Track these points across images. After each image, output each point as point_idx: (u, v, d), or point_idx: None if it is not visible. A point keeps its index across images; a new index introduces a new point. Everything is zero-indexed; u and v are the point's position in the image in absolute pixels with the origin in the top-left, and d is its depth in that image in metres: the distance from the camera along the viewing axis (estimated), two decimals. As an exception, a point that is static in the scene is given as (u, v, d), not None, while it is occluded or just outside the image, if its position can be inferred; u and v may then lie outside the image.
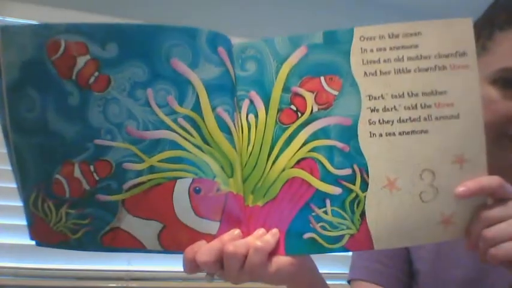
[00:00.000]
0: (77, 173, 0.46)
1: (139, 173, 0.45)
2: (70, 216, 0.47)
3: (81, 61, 0.45)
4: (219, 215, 0.46)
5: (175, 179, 0.45)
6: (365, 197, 0.46)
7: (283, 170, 0.47)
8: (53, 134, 0.46)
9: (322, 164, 0.46)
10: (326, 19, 2.03)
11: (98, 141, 0.45)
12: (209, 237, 0.46)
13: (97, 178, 0.46)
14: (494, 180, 0.45)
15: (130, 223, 0.46)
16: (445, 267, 0.64)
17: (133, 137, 0.45)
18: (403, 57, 0.46)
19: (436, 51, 0.46)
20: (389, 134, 0.46)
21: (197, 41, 0.45)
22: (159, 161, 0.45)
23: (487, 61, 0.60)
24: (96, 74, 0.45)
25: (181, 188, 0.45)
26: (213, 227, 0.46)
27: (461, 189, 0.45)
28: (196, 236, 0.46)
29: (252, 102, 0.47)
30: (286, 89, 0.47)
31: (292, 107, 0.47)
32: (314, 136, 0.46)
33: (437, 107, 0.46)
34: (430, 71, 0.46)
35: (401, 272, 0.68)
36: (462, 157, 0.45)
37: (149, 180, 0.45)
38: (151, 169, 0.45)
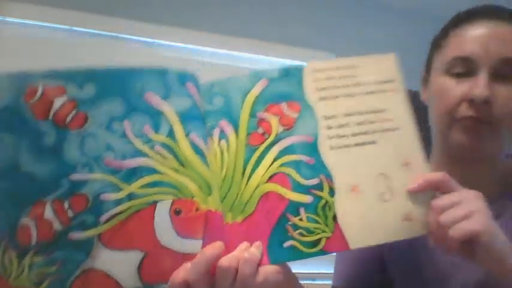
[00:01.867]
0: (48, 213, 0.45)
1: (118, 202, 0.46)
2: (34, 266, 0.44)
3: (58, 102, 0.47)
4: (201, 233, 0.46)
5: (156, 202, 0.46)
6: (334, 202, 0.50)
7: (258, 186, 0.50)
8: (23, 176, 0.45)
9: (292, 177, 0.50)
10: (326, 19, 2.11)
11: (73, 176, 0.46)
12: (193, 257, 0.45)
13: (71, 215, 0.45)
14: (437, 175, 0.52)
15: (106, 259, 0.45)
16: (419, 267, 0.65)
17: (112, 168, 0.46)
18: (348, 84, 0.55)
19: (372, 79, 0.56)
20: (346, 146, 0.52)
21: (167, 78, 0.50)
22: (138, 188, 0.46)
23: (442, 56, 0.69)
24: (74, 112, 0.47)
25: (162, 211, 0.46)
26: (196, 246, 0.46)
27: (411, 185, 0.51)
28: (180, 257, 0.46)
29: (222, 129, 0.51)
30: (252, 115, 0.52)
31: (259, 130, 0.52)
32: (282, 153, 0.51)
33: (381, 122, 0.54)
34: (370, 94, 0.55)
35: (379, 274, 0.70)
36: (408, 161, 0.53)
37: (129, 207, 0.46)
38: (131, 196, 0.46)
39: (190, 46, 1.84)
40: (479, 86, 0.62)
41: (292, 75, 0.55)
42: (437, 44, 0.72)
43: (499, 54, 0.63)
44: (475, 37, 0.66)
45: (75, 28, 1.72)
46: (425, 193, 0.51)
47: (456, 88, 0.65)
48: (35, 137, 0.46)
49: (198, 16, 1.86)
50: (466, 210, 0.48)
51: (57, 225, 0.45)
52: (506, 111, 0.63)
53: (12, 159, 0.46)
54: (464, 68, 0.65)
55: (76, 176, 0.46)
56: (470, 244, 0.48)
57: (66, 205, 0.46)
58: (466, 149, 0.64)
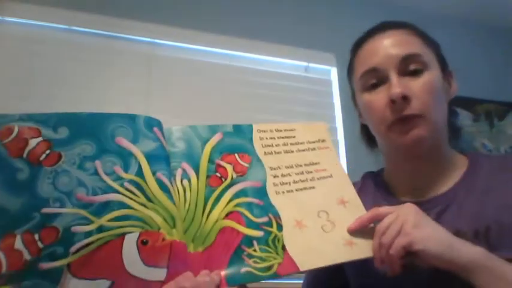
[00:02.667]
0: (18, 244, 0.47)
1: (89, 234, 0.49)
2: None
3: (33, 142, 0.51)
4: (165, 262, 0.51)
5: (124, 234, 0.50)
6: (282, 235, 0.58)
7: (216, 221, 0.56)
8: None
9: (245, 215, 0.58)
10: (326, 19, 2.07)
11: (45, 210, 0.49)
12: (158, 285, 0.49)
13: (41, 246, 0.48)
14: (367, 216, 0.61)
15: None
16: (371, 267, 0.67)
17: (83, 202, 0.50)
18: (287, 142, 0.67)
19: (307, 139, 0.68)
20: (289, 191, 0.62)
21: (136, 123, 0.56)
22: (108, 221, 0.50)
23: (354, 78, 0.76)
24: (48, 151, 0.52)
25: (130, 242, 0.50)
26: (161, 273, 0.50)
27: (351, 226, 0.60)
28: (145, 284, 0.49)
29: (184, 170, 0.58)
30: (211, 161, 0.60)
31: (217, 174, 0.60)
32: (236, 195, 0.59)
33: (316, 172, 0.65)
34: (306, 151, 0.67)
35: (338, 278, 0.76)
36: (343, 199, 0.63)
37: (98, 239, 0.50)
38: (101, 228, 0.50)
39: (191, 46, 1.83)
40: (393, 86, 0.67)
41: (243, 131, 0.65)
42: (348, 73, 0.80)
43: (399, 54, 0.69)
44: (374, 49, 0.72)
45: (75, 28, 1.71)
46: None
47: (376, 98, 0.70)
48: (8, 173, 0.50)
49: (198, 16, 1.87)
50: (398, 225, 0.55)
51: (27, 256, 0.47)
52: (426, 100, 0.67)
53: None
54: (375, 78, 0.71)
55: (48, 210, 0.49)
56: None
57: (36, 237, 0.48)
58: (411, 145, 0.68)
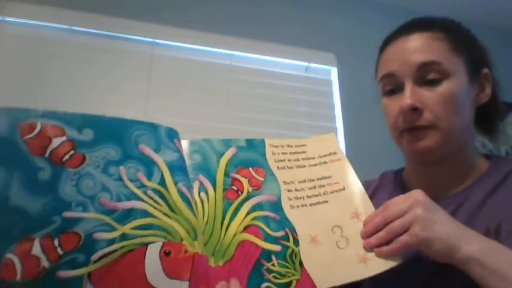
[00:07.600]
0: (36, 249, 0.45)
1: (111, 241, 0.48)
2: None
3: (56, 141, 0.49)
4: (188, 275, 0.50)
5: (147, 244, 0.49)
6: (299, 250, 0.58)
7: (235, 234, 0.56)
8: (12, 210, 0.45)
9: (263, 229, 0.58)
10: (326, 19, 2.05)
11: (67, 214, 0.47)
12: None
13: (61, 252, 0.45)
14: (376, 222, 0.59)
15: None
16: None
17: (107, 208, 0.49)
18: (299, 158, 0.68)
19: (317, 154, 0.69)
20: (303, 206, 0.63)
21: (158, 132, 0.56)
22: (131, 229, 0.49)
23: (377, 80, 0.75)
24: (72, 152, 0.50)
25: (153, 252, 0.49)
26: (183, 286, 0.49)
27: (366, 245, 0.59)
28: None
29: (201, 183, 0.58)
30: (227, 174, 0.61)
31: (234, 187, 0.60)
32: (253, 209, 0.59)
33: (329, 185, 0.66)
34: (317, 165, 0.68)
35: None
36: (357, 212, 0.64)
37: (122, 247, 0.48)
38: (124, 236, 0.48)
39: (191, 46, 1.83)
40: (404, 97, 0.67)
41: (256, 146, 0.66)
42: (375, 71, 0.79)
43: (416, 62, 0.68)
44: (392, 54, 0.72)
45: (76, 28, 1.69)
46: None
47: (391, 104, 0.71)
48: (28, 172, 0.47)
49: (198, 16, 1.86)
50: (407, 222, 0.55)
51: (44, 263, 0.45)
52: (439, 112, 0.66)
53: (1, 192, 0.45)
54: (392, 84, 0.71)
55: (69, 214, 0.47)
56: None
57: (56, 242, 0.46)
58: (419, 155, 0.69)
